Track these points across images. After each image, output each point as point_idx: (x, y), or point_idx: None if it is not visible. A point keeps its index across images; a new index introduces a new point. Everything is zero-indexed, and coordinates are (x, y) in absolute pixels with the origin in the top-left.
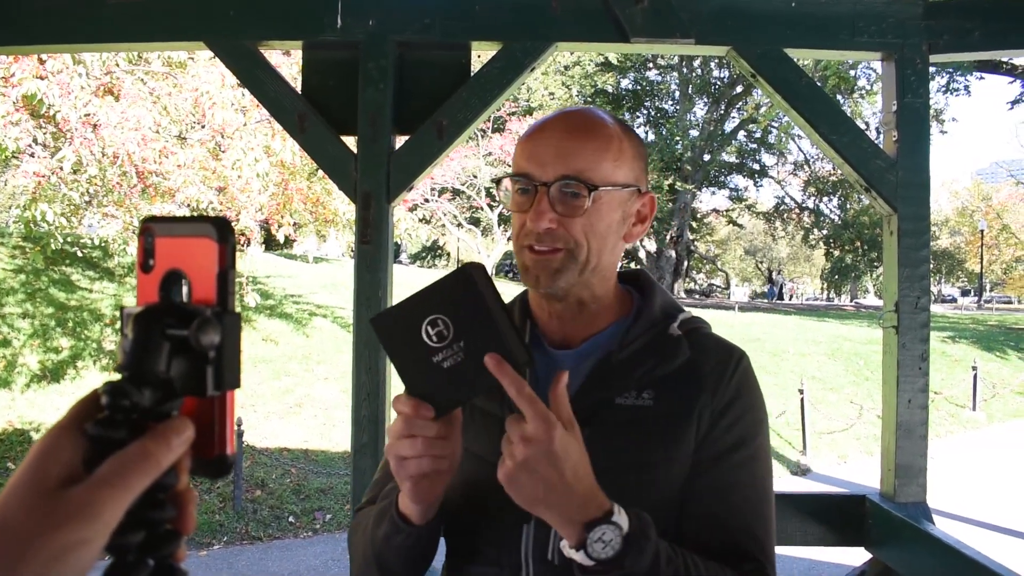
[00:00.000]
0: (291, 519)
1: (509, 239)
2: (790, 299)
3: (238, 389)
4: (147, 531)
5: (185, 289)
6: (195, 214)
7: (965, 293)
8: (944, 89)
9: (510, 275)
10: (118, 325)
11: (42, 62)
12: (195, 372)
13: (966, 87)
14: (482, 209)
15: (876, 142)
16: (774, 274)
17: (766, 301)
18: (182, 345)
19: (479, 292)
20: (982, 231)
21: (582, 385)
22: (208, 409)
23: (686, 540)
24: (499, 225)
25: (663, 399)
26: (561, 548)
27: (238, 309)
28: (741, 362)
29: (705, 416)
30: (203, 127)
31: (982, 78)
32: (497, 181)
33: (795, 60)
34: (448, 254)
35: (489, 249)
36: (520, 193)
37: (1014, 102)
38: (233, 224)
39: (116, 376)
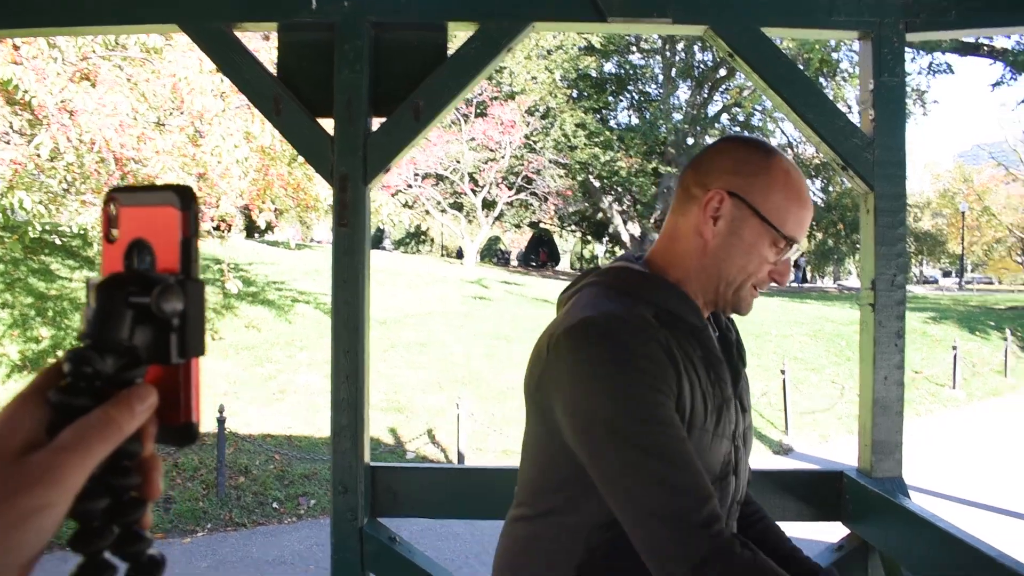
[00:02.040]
0: (275, 505)
1: (493, 224)
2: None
3: (203, 356)
4: (112, 498)
5: (149, 258)
6: (158, 183)
7: (947, 274)
8: (927, 70)
9: (494, 260)
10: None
11: (16, 48)
12: (159, 340)
13: (948, 65)
14: (465, 194)
15: (853, 121)
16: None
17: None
18: (146, 313)
19: None
20: (963, 213)
21: (736, 359)
22: (173, 377)
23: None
24: (483, 209)
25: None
26: None
27: (221, 291)
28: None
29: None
30: (181, 113)
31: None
32: (789, 240)
33: (772, 39)
34: (432, 239)
35: (473, 235)
36: (780, 250)
37: (996, 84)
38: (213, 209)
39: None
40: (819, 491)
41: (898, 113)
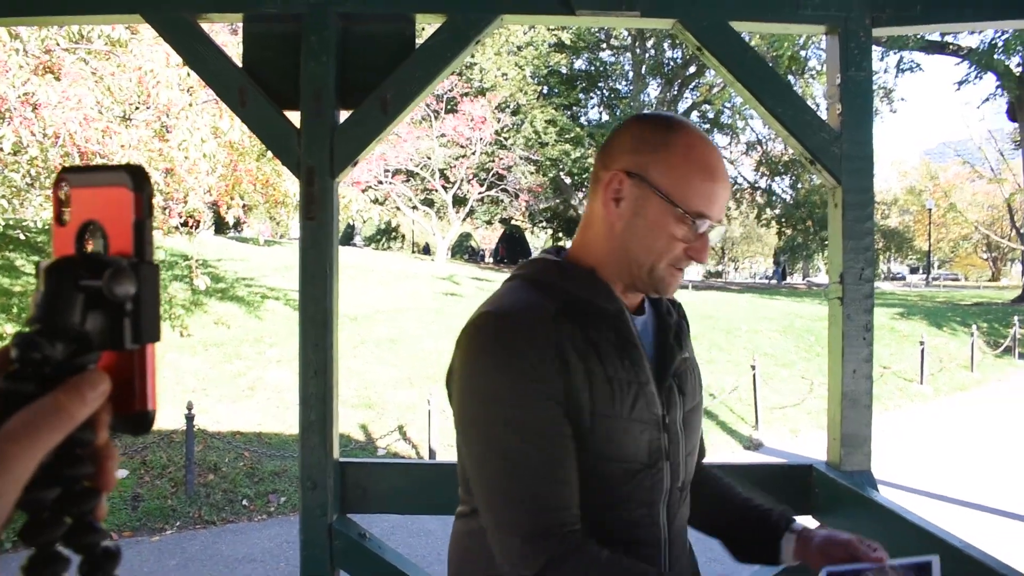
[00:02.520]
0: (245, 502)
1: (464, 220)
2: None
3: (158, 342)
4: (63, 487)
5: (102, 241)
6: (110, 163)
7: (914, 271)
8: (895, 68)
9: (465, 257)
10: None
11: None
12: (112, 325)
13: (915, 64)
14: (436, 191)
15: (821, 116)
16: (780, 256)
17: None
18: (97, 297)
19: None
20: (930, 210)
21: (670, 342)
22: (128, 363)
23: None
24: (453, 206)
25: (687, 348)
26: None
27: (189, 287)
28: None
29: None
30: (148, 107)
31: (918, 68)
32: (689, 216)
33: (741, 34)
34: (403, 236)
35: (444, 231)
36: (682, 224)
37: (961, 83)
38: (180, 205)
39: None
40: (789, 485)
41: (865, 107)
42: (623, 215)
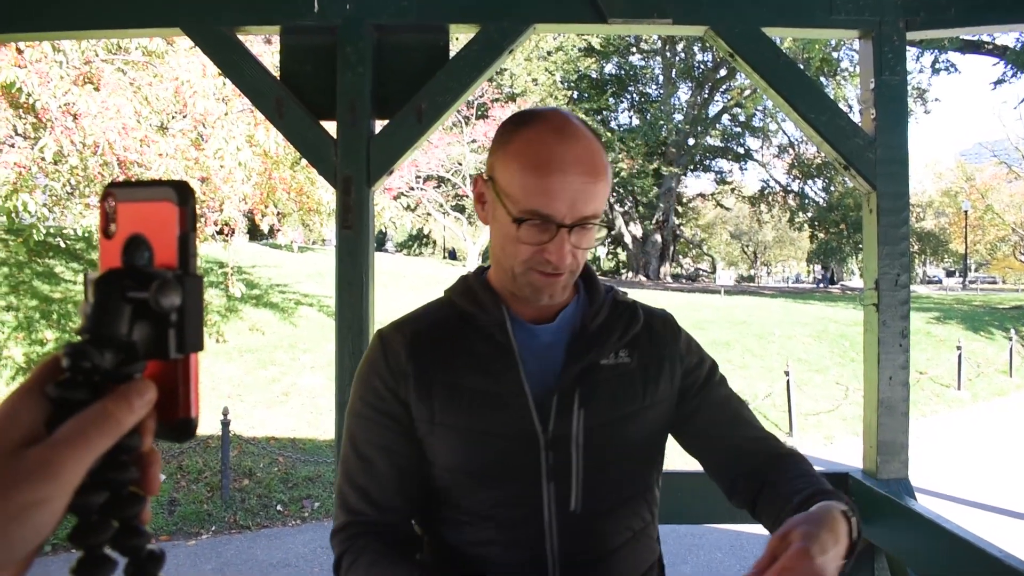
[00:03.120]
0: (279, 508)
1: None
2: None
3: (201, 352)
4: (110, 492)
5: (147, 253)
6: (155, 178)
7: (950, 274)
8: (930, 68)
9: None
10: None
11: (19, 52)
12: (157, 335)
13: (952, 65)
14: (467, 196)
15: (855, 121)
16: (828, 260)
17: (753, 285)
18: (144, 308)
19: None
20: (966, 212)
21: (570, 353)
22: (172, 372)
23: (739, 456)
24: None
25: (636, 355)
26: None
27: (224, 294)
28: (674, 317)
29: (676, 363)
30: (184, 116)
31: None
32: (519, 221)
33: (773, 39)
34: (434, 242)
35: (475, 237)
36: (536, 227)
37: (997, 82)
38: (216, 213)
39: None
40: None
41: (900, 112)
42: (488, 218)
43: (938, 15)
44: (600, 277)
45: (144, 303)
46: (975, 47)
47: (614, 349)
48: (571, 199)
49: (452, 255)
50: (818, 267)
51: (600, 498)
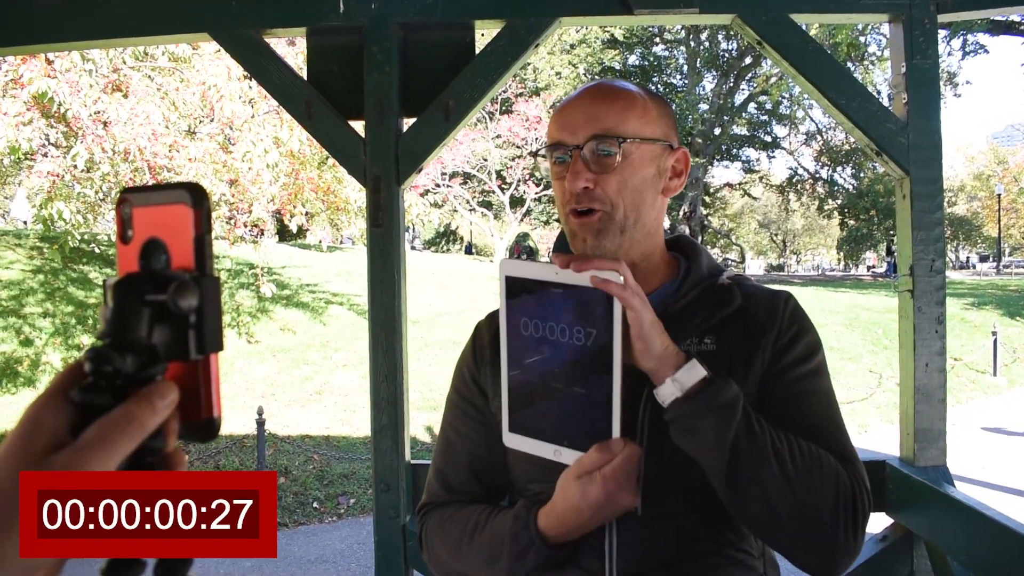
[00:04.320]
0: (315, 505)
1: (521, 220)
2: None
3: (221, 352)
4: None
5: (164, 256)
6: (169, 182)
7: (983, 259)
8: (960, 50)
9: (523, 256)
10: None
11: (50, 62)
12: (177, 337)
13: (982, 47)
14: (493, 192)
15: (886, 106)
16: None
17: (783, 274)
18: (162, 311)
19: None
20: (999, 195)
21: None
22: (193, 373)
23: None
24: (510, 207)
25: (723, 343)
26: (656, 395)
27: (255, 295)
28: (790, 300)
29: (767, 353)
30: (211, 120)
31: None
32: (534, 154)
33: (801, 26)
34: (461, 238)
35: (502, 232)
36: (557, 163)
37: None
38: (245, 215)
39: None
40: None
41: (932, 96)
42: None
43: None
44: (718, 263)
45: (163, 306)
46: (1005, 28)
47: (696, 333)
48: (581, 121)
49: (469, 249)
50: (864, 255)
51: (664, 503)
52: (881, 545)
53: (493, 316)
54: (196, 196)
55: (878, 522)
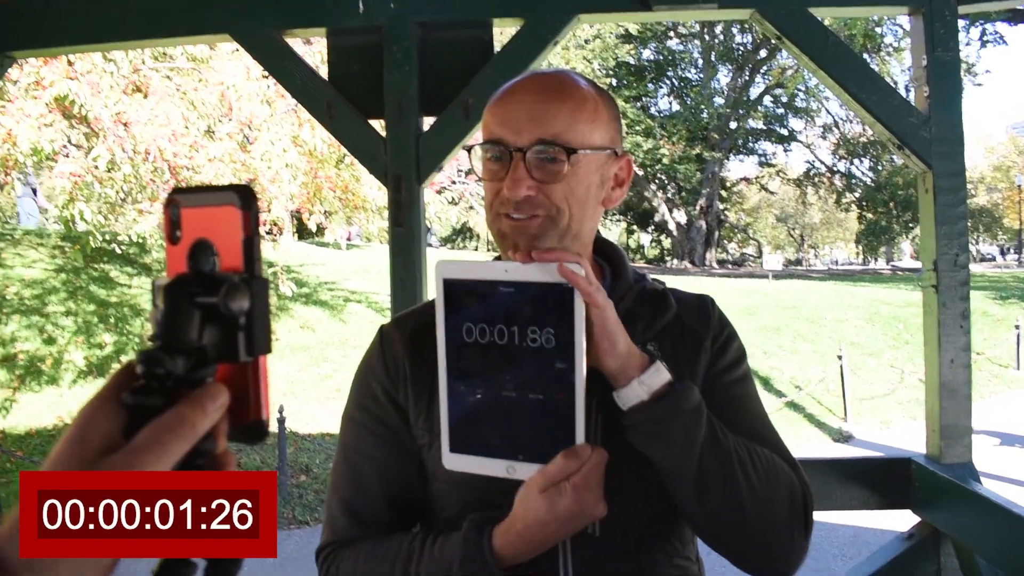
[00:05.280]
0: None
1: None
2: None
3: (270, 354)
4: None
5: (213, 258)
6: (219, 184)
7: (1004, 251)
8: (979, 40)
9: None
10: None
11: (71, 64)
12: (227, 339)
13: (1000, 37)
14: None
15: (907, 99)
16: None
17: (802, 268)
18: (212, 312)
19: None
20: (1020, 186)
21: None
22: (242, 375)
23: None
24: None
25: (665, 349)
26: (616, 397)
27: (274, 293)
28: (715, 304)
29: (707, 356)
30: (230, 120)
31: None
32: (469, 149)
33: (820, 19)
34: (478, 235)
35: None
36: (493, 160)
37: None
38: (264, 213)
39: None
40: (887, 479)
41: (954, 89)
42: None
43: None
44: (644, 265)
45: (213, 308)
46: None
47: (639, 341)
48: (526, 120)
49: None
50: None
51: (621, 517)
52: (907, 544)
53: (401, 321)
54: (245, 198)
55: (904, 520)
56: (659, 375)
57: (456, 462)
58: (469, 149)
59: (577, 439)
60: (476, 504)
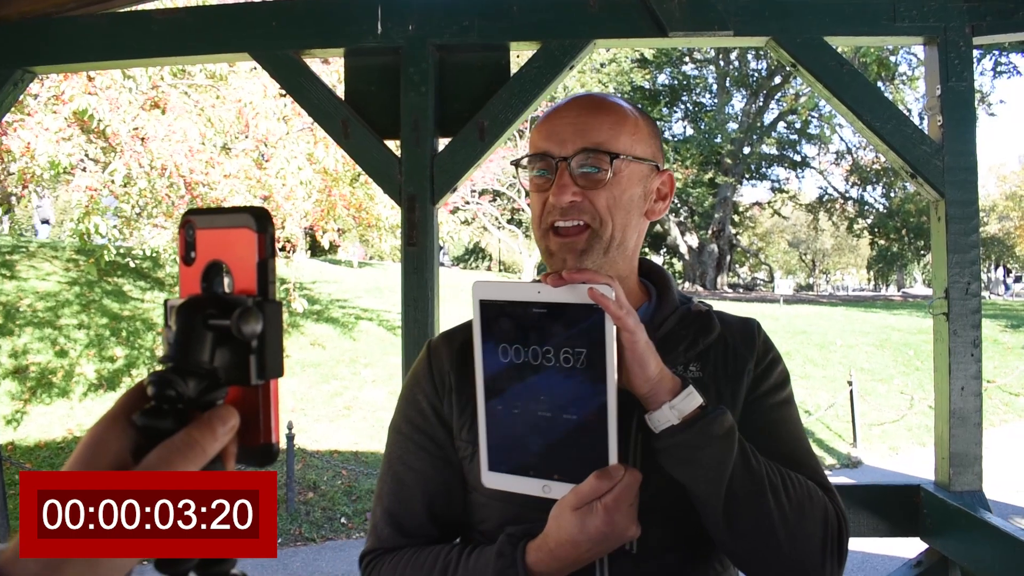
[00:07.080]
0: (343, 520)
1: None
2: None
3: (281, 377)
4: None
5: (227, 280)
6: (233, 205)
7: (1016, 279)
8: (992, 71)
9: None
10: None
11: (91, 79)
12: (239, 361)
13: (1014, 67)
14: (523, 210)
15: (920, 128)
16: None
17: (812, 294)
18: (225, 335)
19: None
20: None
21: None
22: (253, 398)
23: None
24: None
25: (708, 370)
26: (648, 420)
27: (286, 310)
28: (761, 327)
29: (748, 380)
30: (247, 137)
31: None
32: (516, 163)
33: (835, 48)
34: (490, 256)
35: (531, 250)
36: (539, 175)
37: None
38: (278, 231)
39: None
40: (896, 506)
41: (967, 118)
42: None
43: (1005, 19)
44: (728, 300)
45: (226, 330)
46: None
47: (682, 362)
48: (570, 132)
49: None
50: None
51: (658, 537)
52: (915, 571)
53: (450, 335)
54: (261, 221)
55: (912, 547)
56: (690, 400)
57: (494, 481)
58: (517, 164)
59: (610, 459)
60: (514, 518)
